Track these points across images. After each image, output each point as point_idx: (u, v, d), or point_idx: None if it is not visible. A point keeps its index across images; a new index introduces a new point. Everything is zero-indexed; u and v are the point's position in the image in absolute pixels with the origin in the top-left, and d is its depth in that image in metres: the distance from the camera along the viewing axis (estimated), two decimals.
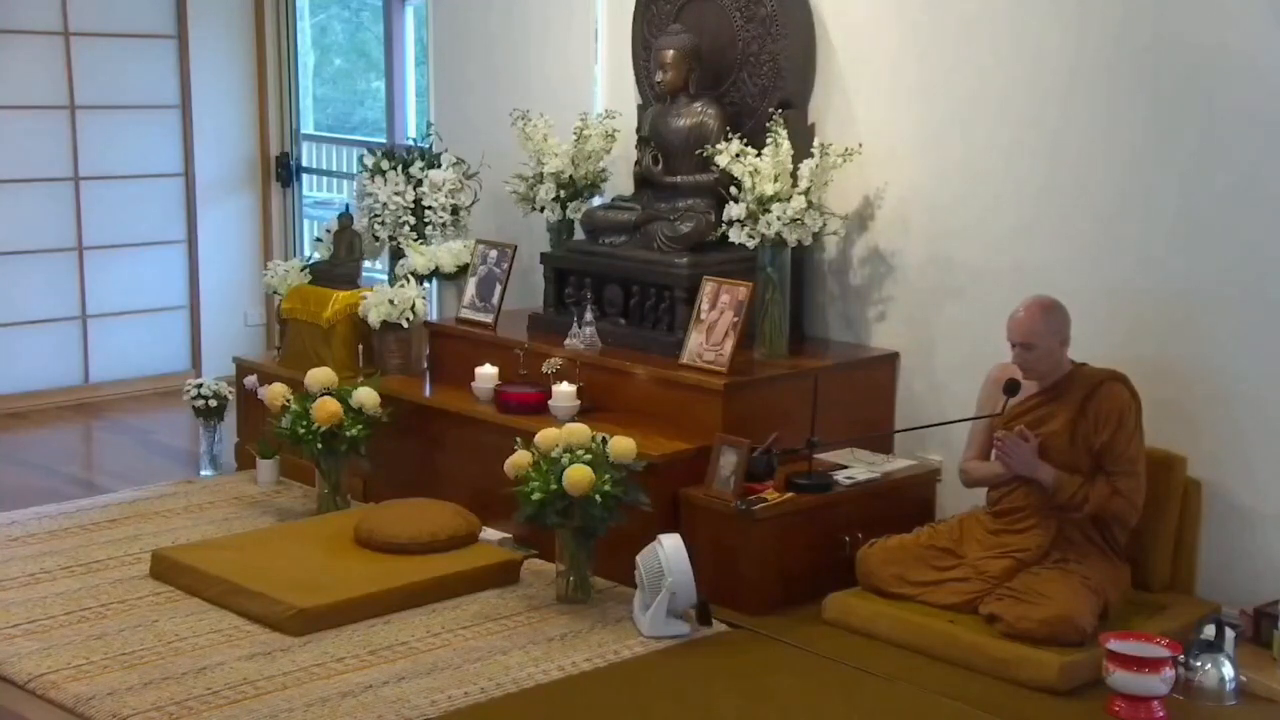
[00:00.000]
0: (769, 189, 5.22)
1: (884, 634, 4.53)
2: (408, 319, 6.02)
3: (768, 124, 5.32)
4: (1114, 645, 4.07)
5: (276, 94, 8.10)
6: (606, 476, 4.66)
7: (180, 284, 7.94)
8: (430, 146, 6.63)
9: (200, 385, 6.19)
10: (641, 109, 6.01)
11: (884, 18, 5.45)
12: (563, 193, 6.02)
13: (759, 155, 5.26)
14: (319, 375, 5.63)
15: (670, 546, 4.55)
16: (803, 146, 5.38)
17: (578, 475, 4.61)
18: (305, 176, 8.32)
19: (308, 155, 8.37)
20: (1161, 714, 4.02)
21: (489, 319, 5.93)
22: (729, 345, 5.15)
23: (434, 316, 6.33)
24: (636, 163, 5.81)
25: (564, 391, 5.32)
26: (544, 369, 5.43)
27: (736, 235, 5.31)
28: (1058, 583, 4.40)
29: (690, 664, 4.41)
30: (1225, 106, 4.63)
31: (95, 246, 7.59)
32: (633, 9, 6.04)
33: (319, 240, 6.64)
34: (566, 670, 4.33)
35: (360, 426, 5.50)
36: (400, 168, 6.45)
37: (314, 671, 4.28)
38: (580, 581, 4.82)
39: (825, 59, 5.61)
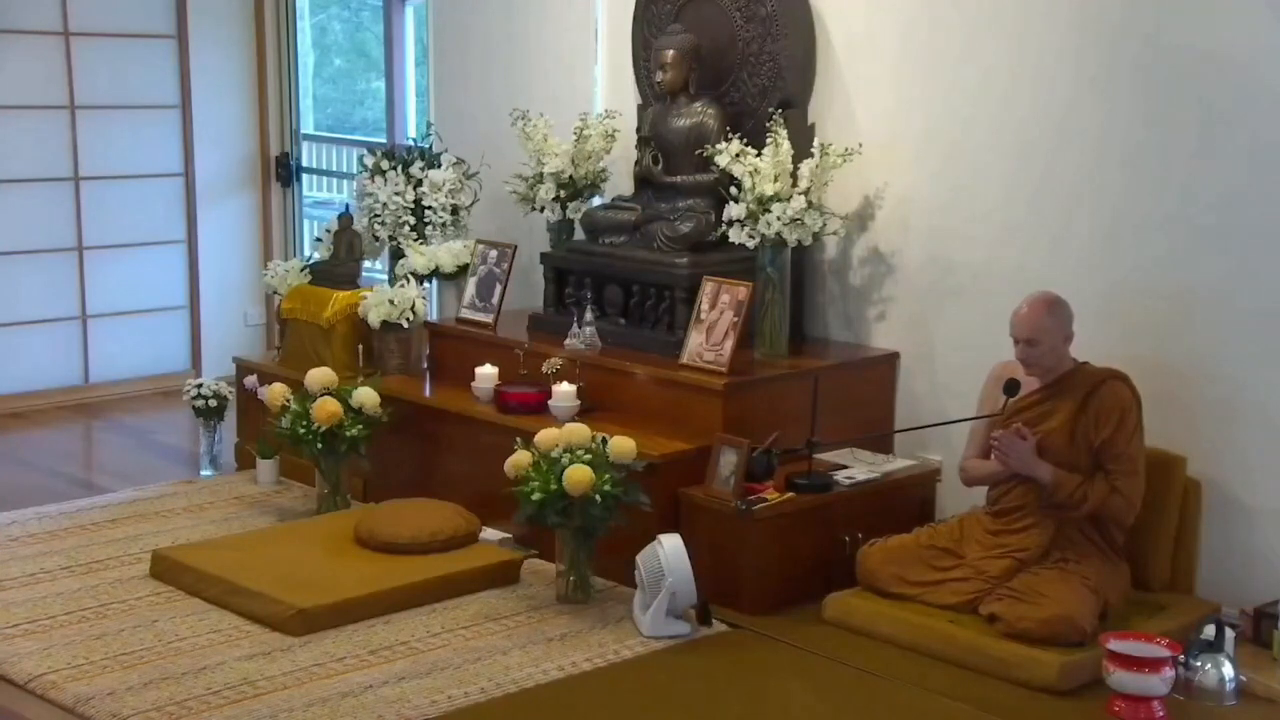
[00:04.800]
0: (769, 189, 5.22)
1: (884, 634, 4.53)
2: (408, 319, 6.02)
3: (768, 124, 5.32)
4: (1114, 645, 4.07)
5: (276, 94, 8.10)
6: (606, 476, 4.66)
7: (180, 284, 7.94)
8: (430, 146, 6.63)
9: (200, 385, 6.19)
10: (641, 109, 6.01)
11: (884, 17, 5.45)
12: (563, 193, 6.02)
13: (759, 155, 5.27)
14: (319, 375, 5.63)
15: (670, 546, 4.55)
16: (803, 146, 5.38)
17: (578, 475, 4.61)
18: (305, 176, 8.32)
19: (308, 155, 8.37)
20: (1161, 714, 4.02)
21: (489, 319, 5.93)
22: (729, 345, 5.15)
23: (434, 316, 6.33)
24: (636, 163, 5.81)
25: (564, 391, 5.32)
26: (544, 369, 5.42)
27: (736, 235, 5.31)
28: (1058, 583, 4.40)
29: (690, 664, 4.41)
30: (1225, 107, 4.63)
31: (95, 246, 7.59)
32: (633, 9, 6.04)
33: (319, 240, 6.64)
34: (566, 670, 4.33)
35: (360, 426, 5.50)
36: (400, 168, 6.45)
37: (314, 671, 4.28)
38: (580, 581, 4.82)
39: (825, 59, 5.61)
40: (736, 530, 4.74)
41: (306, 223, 8.34)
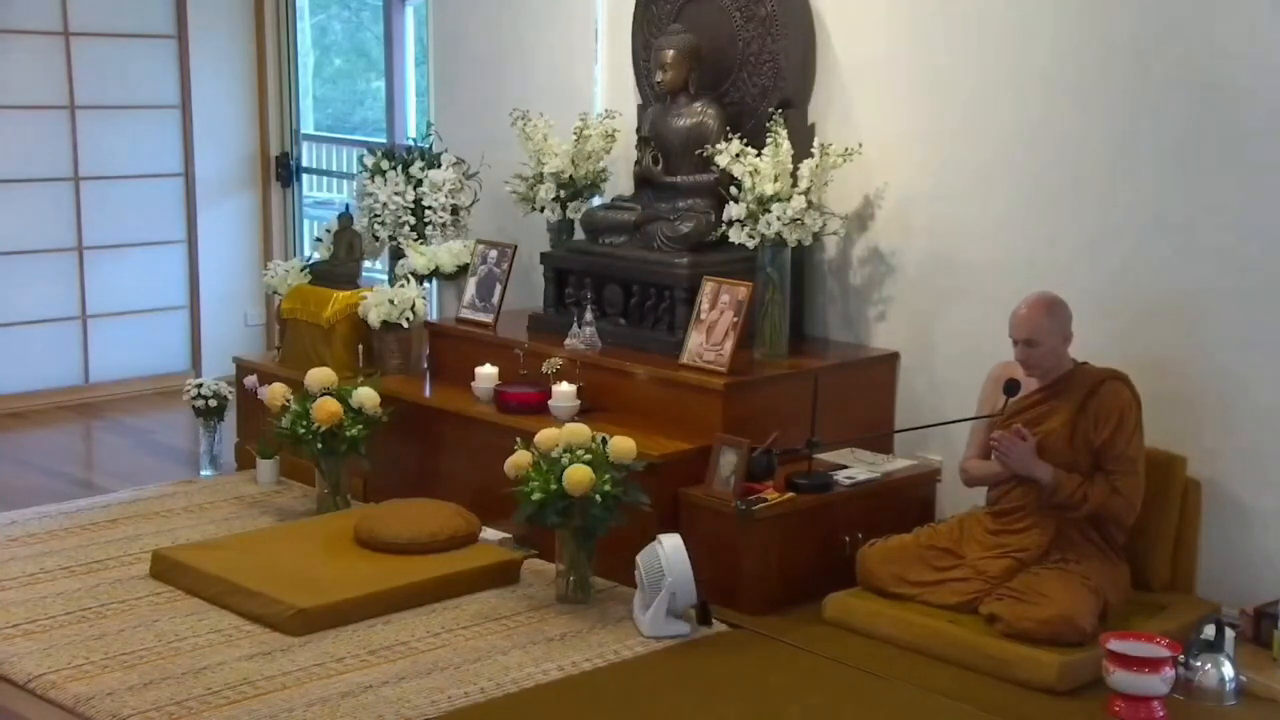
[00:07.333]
0: (769, 189, 5.22)
1: (884, 634, 4.53)
2: (408, 319, 6.02)
3: (768, 124, 5.32)
4: (1114, 645, 4.07)
5: (276, 94, 8.10)
6: (606, 476, 4.66)
7: (180, 284, 7.94)
8: (430, 146, 6.63)
9: (200, 385, 6.19)
10: (641, 109, 6.01)
11: (884, 17, 5.45)
12: (563, 193, 6.02)
13: (759, 155, 5.27)
14: (319, 375, 5.63)
15: (670, 546, 4.55)
16: (803, 146, 5.38)
17: (578, 475, 4.61)
18: (305, 176, 8.32)
19: (308, 155, 8.37)
20: (1161, 714, 4.02)
21: (489, 319, 5.93)
22: (729, 345, 5.15)
23: (434, 316, 6.33)
24: (636, 163, 5.81)
25: (564, 391, 5.33)
26: (544, 369, 5.42)
27: (736, 235, 5.31)
28: (1058, 583, 4.40)
29: (690, 664, 4.41)
30: (1226, 106, 4.63)
31: (95, 246, 7.59)
32: (633, 9, 6.05)
33: (319, 240, 6.64)
34: (566, 670, 4.33)
35: (360, 426, 5.50)
36: (400, 168, 6.45)
37: (314, 671, 4.28)
38: (580, 581, 4.82)
39: (825, 59, 5.61)
40: (736, 530, 4.74)
41: (306, 223, 8.34)
